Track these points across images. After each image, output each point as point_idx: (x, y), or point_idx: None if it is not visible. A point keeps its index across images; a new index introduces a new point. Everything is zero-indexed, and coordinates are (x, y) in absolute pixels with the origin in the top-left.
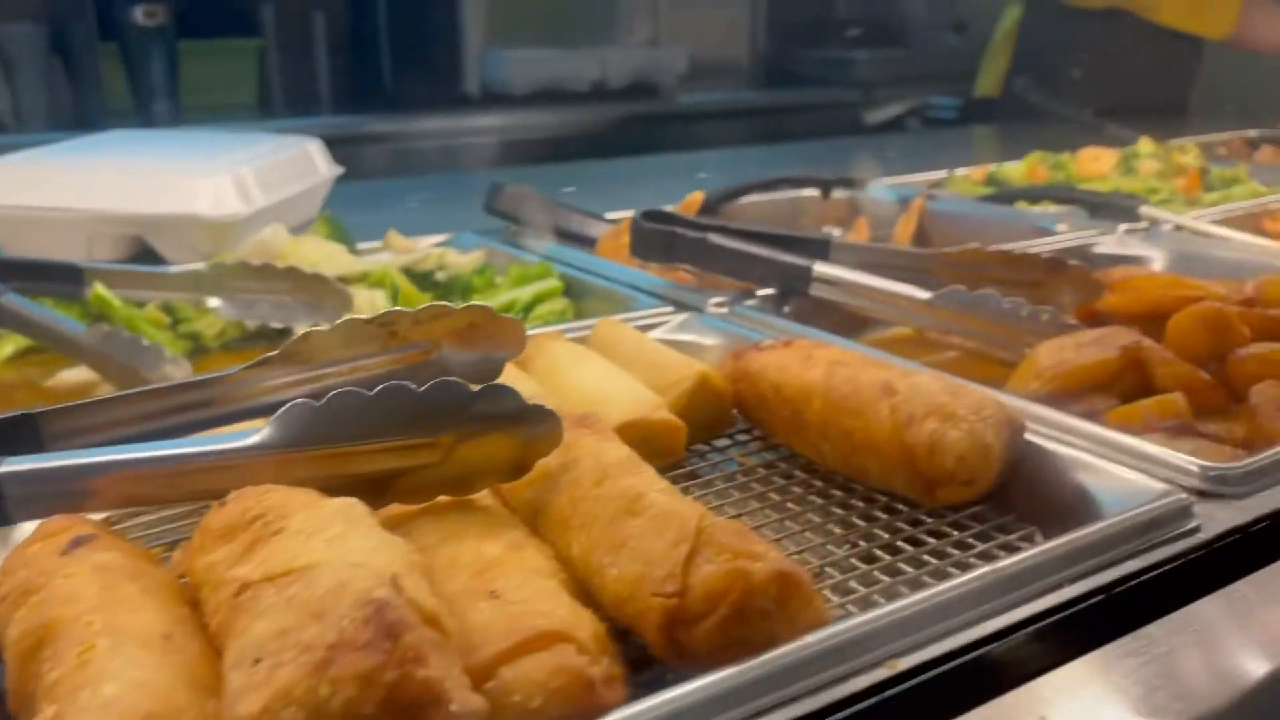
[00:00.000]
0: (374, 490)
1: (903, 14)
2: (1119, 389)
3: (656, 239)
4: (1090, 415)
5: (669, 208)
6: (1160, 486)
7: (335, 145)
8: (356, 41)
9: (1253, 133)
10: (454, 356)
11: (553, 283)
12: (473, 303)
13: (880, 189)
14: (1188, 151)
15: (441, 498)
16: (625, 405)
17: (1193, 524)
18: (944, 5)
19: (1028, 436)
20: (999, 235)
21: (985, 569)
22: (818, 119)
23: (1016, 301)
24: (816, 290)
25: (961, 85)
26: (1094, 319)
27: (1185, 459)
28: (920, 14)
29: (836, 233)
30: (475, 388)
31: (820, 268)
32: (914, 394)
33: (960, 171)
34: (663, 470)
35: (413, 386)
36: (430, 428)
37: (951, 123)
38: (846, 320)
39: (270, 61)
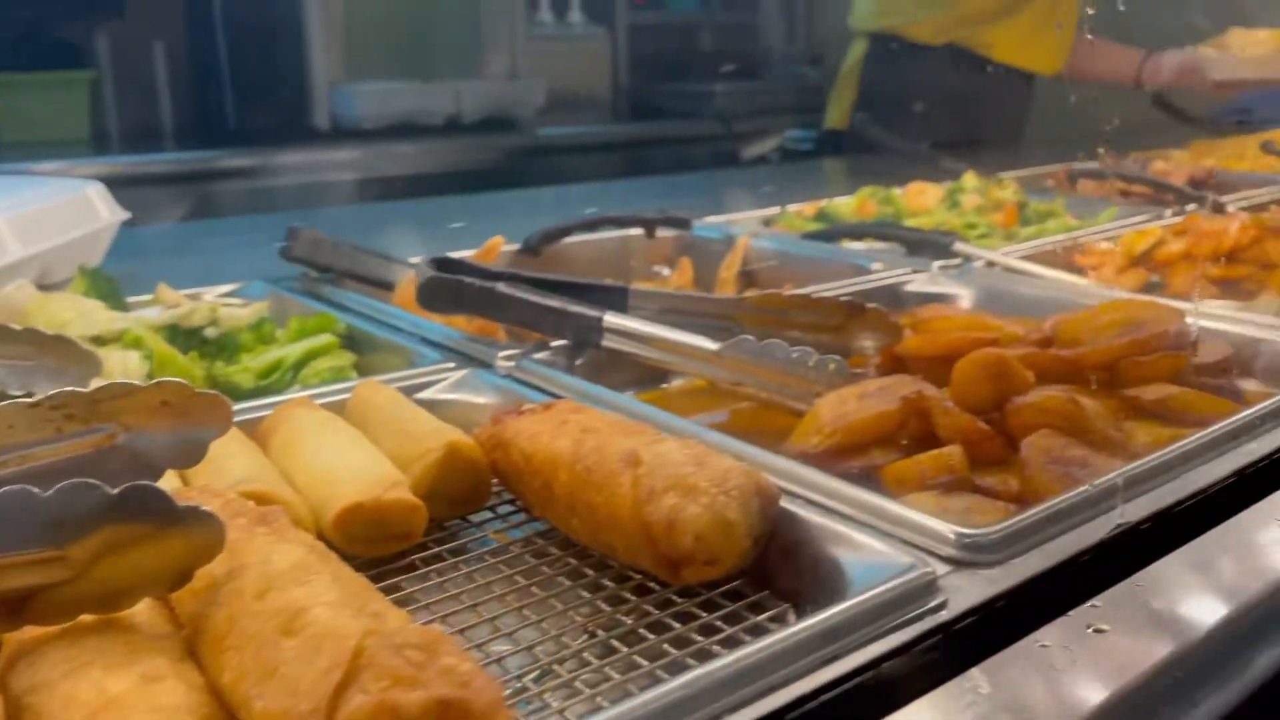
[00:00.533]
0: (3, 611)
1: (763, 48)
2: (906, 439)
3: (443, 289)
4: (869, 471)
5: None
6: (906, 560)
7: (175, 182)
8: (198, 74)
9: (1076, 165)
10: (148, 439)
11: (325, 339)
12: (164, 378)
13: (706, 227)
14: (1006, 186)
15: (86, 616)
16: (357, 484)
17: (937, 600)
18: (802, 39)
19: (788, 505)
20: (819, 274)
21: (716, 664)
22: (680, 152)
23: (804, 350)
24: (609, 342)
25: (818, 118)
26: (895, 363)
27: (943, 525)
28: (779, 47)
29: (666, 272)
30: (115, 490)
31: (611, 319)
32: (657, 465)
33: (793, 207)
34: (406, 553)
35: (36, 491)
36: (57, 539)
37: (808, 155)
38: (648, 372)
39: (105, 95)
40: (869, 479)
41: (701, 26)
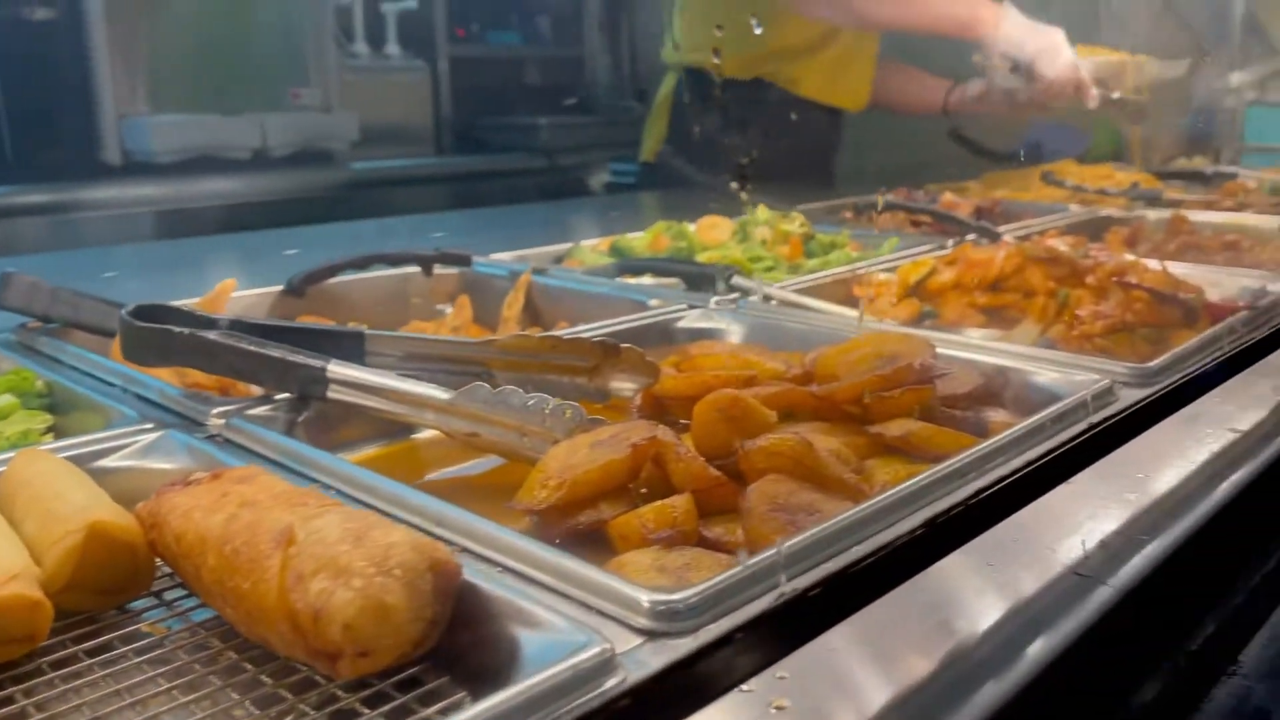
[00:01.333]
0: None
1: (588, 81)
2: (645, 489)
3: (150, 339)
4: (599, 527)
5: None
6: (582, 637)
7: None
8: None
9: (862, 199)
10: None
11: (6, 399)
12: None
13: (489, 264)
14: (794, 219)
15: None
16: None
17: (615, 680)
18: (627, 72)
19: (475, 579)
20: (597, 311)
21: None
22: (504, 186)
23: (540, 398)
24: (335, 393)
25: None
26: (654, 405)
27: (638, 591)
28: (605, 80)
29: (449, 311)
30: None
31: (336, 368)
32: (309, 544)
33: (587, 242)
34: (34, 656)
35: None
36: None
37: (631, 188)
38: (397, 424)
39: None
40: (595, 537)
41: (526, 60)
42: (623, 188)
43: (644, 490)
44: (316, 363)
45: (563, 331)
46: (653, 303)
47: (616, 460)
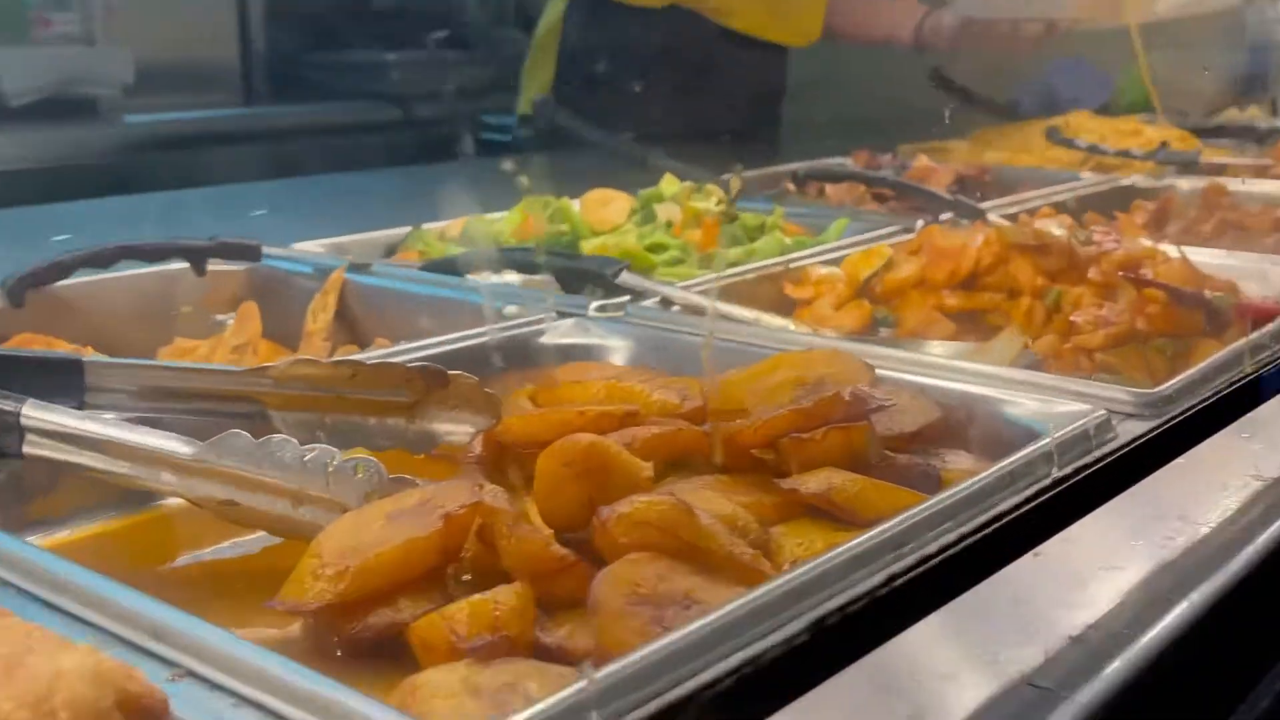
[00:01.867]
0: None
1: (456, 5)
2: (469, 574)
3: None
4: (399, 631)
5: None
6: None
7: None
8: None
9: (838, 161)
10: None
11: None
12: None
13: (289, 259)
14: (709, 194)
15: None
16: None
17: None
18: None
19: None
20: (434, 323)
21: None
22: (341, 145)
23: (322, 450)
24: (34, 447)
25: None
26: (498, 454)
27: None
28: (481, 5)
29: (230, 324)
30: None
31: (34, 412)
32: None
33: (431, 226)
34: None
35: None
36: None
37: (510, 148)
38: (123, 491)
39: None
40: (394, 645)
41: None
42: (500, 148)
43: (466, 578)
44: (7, 406)
45: (379, 352)
46: (508, 310)
47: (422, 538)
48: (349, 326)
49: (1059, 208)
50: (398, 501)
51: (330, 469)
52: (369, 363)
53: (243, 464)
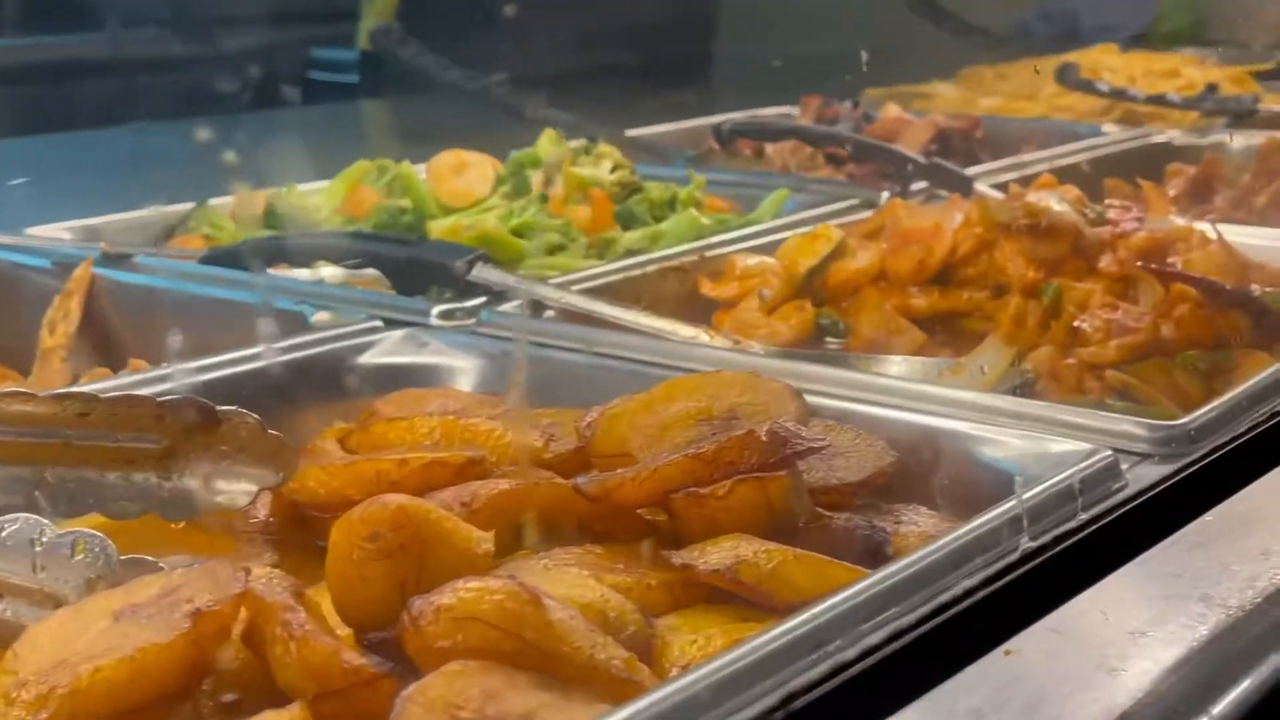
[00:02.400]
0: None
1: None
2: (233, 695)
3: None
4: None
5: None
6: None
7: None
8: None
9: (780, 111)
10: None
11: None
12: None
13: (19, 246)
14: (603, 156)
15: None
16: None
17: None
18: None
19: None
20: (217, 336)
21: None
22: (113, 90)
23: (30, 521)
24: None
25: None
26: (292, 523)
27: None
28: None
29: None
30: None
31: None
32: None
33: (220, 201)
34: None
35: None
36: None
37: (350, 92)
38: None
39: None
40: None
41: None
42: (336, 92)
43: (228, 698)
44: None
45: (130, 378)
46: (317, 319)
47: (162, 645)
48: (100, 342)
49: (1071, 174)
50: (130, 594)
51: (37, 547)
52: (108, 395)
53: None
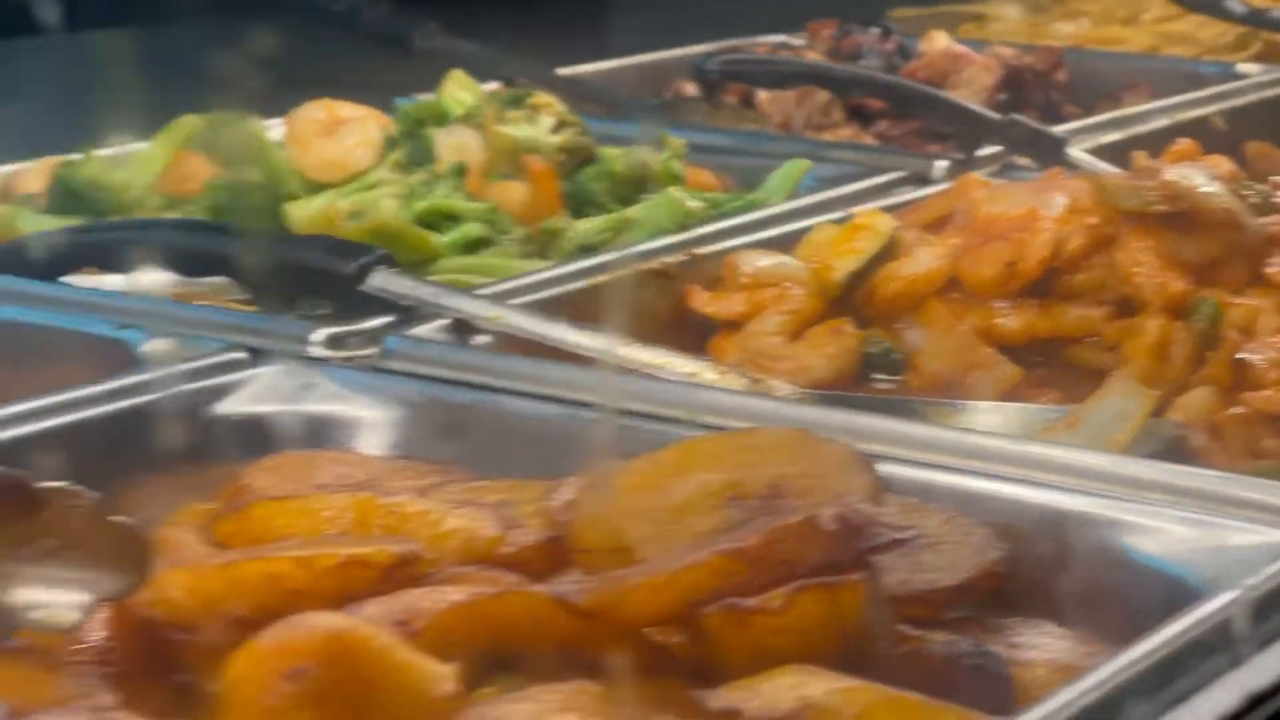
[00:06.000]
0: None
1: None
2: None
3: None
4: None
5: None
6: None
7: None
8: None
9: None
10: None
11: None
12: None
13: None
14: (540, 107)
15: None
16: None
17: None
18: None
19: None
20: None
21: None
22: None
23: None
24: None
25: None
26: (136, 650)
27: None
28: None
29: None
30: None
31: None
32: None
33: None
34: None
35: None
36: None
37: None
38: None
39: None
40: None
41: None
42: (125, 11)
43: None
44: None
45: None
46: (150, 348)
47: None
48: None
49: (1196, 134)
50: None
51: None
52: None
53: None
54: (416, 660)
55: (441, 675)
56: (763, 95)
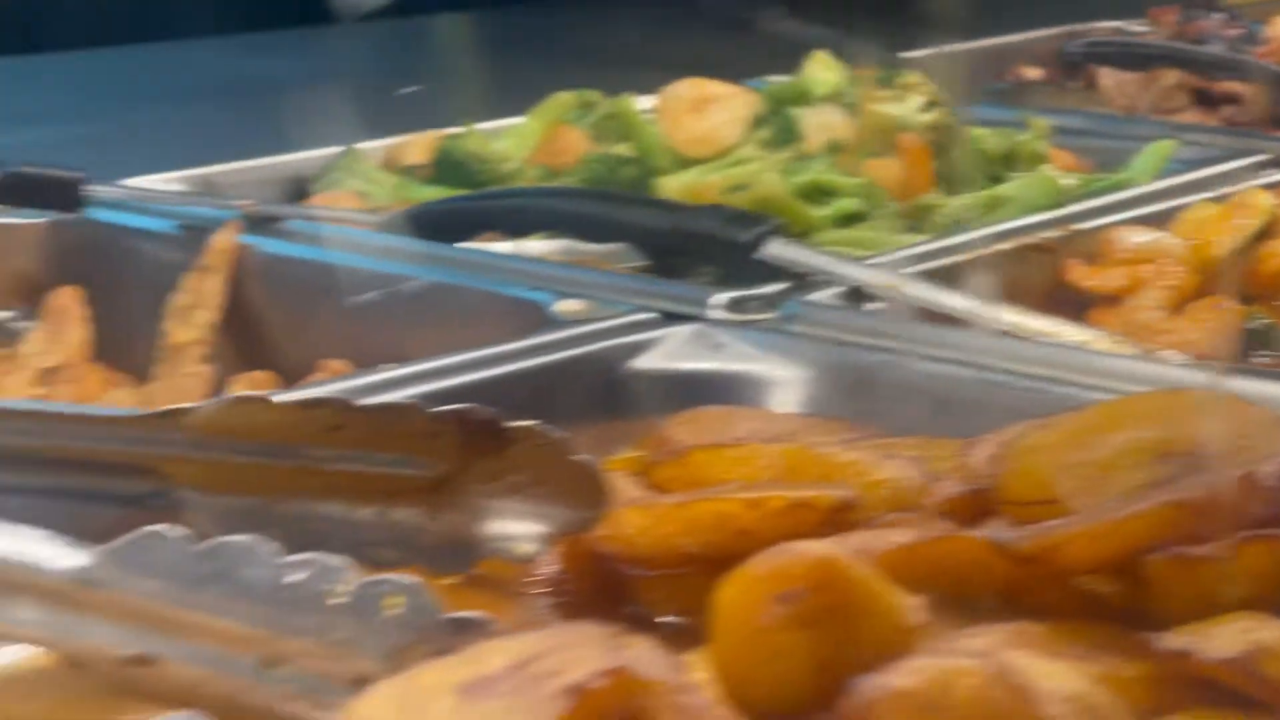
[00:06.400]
0: None
1: None
2: None
3: None
4: None
5: None
6: None
7: None
8: None
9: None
10: None
11: None
12: None
13: (132, 205)
14: (911, 89)
15: None
16: None
17: None
18: None
19: None
20: (417, 332)
21: None
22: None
23: (317, 562)
24: None
25: None
26: (596, 573)
27: None
28: None
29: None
30: None
31: None
32: None
33: (372, 145)
34: None
35: None
36: None
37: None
38: None
39: None
40: None
41: None
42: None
43: None
44: None
45: (349, 383)
46: (560, 308)
47: None
48: (244, 335)
49: None
50: (474, 663)
51: (333, 598)
52: (367, 404)
53: (171, 587)
54: (891, 591)
55: (914, 605)
56: (1108, 79)
